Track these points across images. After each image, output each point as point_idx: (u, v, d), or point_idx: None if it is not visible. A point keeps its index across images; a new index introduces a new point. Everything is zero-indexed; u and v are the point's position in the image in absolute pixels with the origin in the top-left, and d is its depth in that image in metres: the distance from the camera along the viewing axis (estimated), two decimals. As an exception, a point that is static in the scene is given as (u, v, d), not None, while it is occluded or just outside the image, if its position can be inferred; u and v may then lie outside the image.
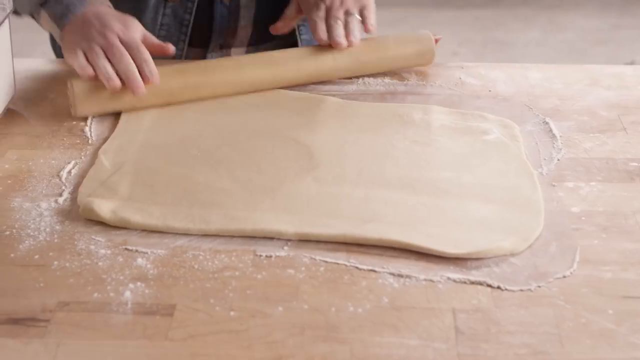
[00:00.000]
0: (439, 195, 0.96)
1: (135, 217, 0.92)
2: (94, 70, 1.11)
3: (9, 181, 1.00)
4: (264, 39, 1.38)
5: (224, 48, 1.38)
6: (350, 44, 1.22)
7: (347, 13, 1.24)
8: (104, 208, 0.93)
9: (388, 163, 1.02)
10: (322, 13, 1.24)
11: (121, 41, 1.12)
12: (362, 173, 1.00)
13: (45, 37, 1.43)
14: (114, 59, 1.11)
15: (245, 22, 1.36)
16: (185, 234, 0.91)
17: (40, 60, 1.31)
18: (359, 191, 0.97)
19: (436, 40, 1.27)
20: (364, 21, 1.25)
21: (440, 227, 0.91)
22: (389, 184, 0.98)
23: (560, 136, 1.09)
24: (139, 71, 1.11)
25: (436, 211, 0.94)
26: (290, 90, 1.19)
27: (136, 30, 1.15)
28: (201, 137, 1.08)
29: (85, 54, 1.13)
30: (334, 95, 1.19)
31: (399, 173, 1.00)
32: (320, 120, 1.11)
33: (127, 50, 1.12)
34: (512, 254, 0.88)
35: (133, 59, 1.11)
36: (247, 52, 1.39)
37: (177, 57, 1.33)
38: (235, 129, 1.10)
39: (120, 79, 1.11)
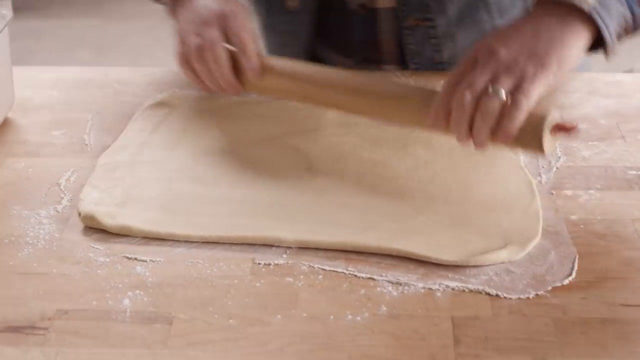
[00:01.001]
0: (438, 203, 0.96)
1: (136, 224, 0.92)
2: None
3: (8, 189, 1.01)
4: (411, 57, 1.24)
5: (373, 63, 1.27)
6: (464, 143, 0.89)
7: (493, 84, 0.87)
8: (105, 215, 0.93)
9: (387, 171, 1.02)
10: (457, 74, 0.91)
11: (227, 31, 1.04)
12: (360, 181, 1.00)
13: (45, 44, 1.43)
14: (208, 59, 1.04)
15: (388, 37, 1.25)
16: (185, 241, 0.91)
17: (39, 68, 1.31)
18: (357, 199, 0.97)
19: (564, 129, 0.89)
20: (503, 113, 0.87)
21: (438, 235, 0.91)
22: (387, 192, 0.98)
23: (559, 144, 1.09)
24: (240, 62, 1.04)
25: (434, 219, 0.94)
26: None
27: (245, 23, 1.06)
28: (202, 146, 1.08)
29: (188, 52, 1.06)
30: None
31: (398, 181, 1.00)
32: (321, 129, 1.11)
33: (230, 41, 1.04)
34: (510, 262, 0.88)
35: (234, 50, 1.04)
36: (412, 65, 1.25)
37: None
38: (235, 138, 1.10)
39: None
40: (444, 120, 0.91)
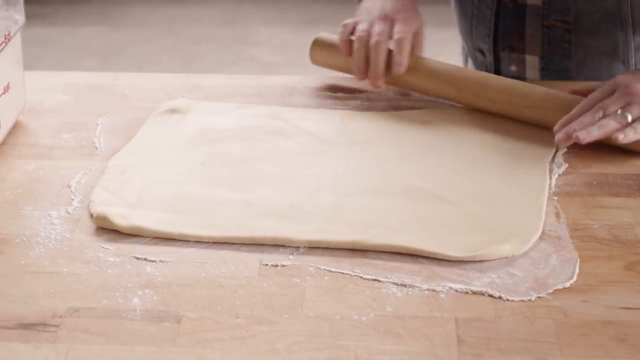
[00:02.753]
0: (444, 202, 0.98)
1: (148, 224, 0.94)
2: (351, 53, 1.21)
3: (19, 190, 1.02)
4: (544, 54, 1.31)
5: (516, 52, 1.33)
6: (577, 139, 1.05)
7: (624, 109, 1.06)
8: (117, 216, 0.94)
9: (394, 171, 1.04)
10: (594, 99, 1.09)
11: (392, 30, 1.20)
12: (366, 181, 1.02)
13: (51, 51, 1.45)
14: (370, 47, 1.19)
15: (533, 30, 1.30)
16: (193, 242, 0.93)
17: (50, 73, 1.33)
18: (364, 200, 0.99)
19: None
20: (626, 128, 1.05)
21: (443, 232, 0.93)
22: (394, 192, 1.00)
23: (562, 151, 1.10)
24: (391, 56, 1.19)
25: (440, 217, 0.96)
26: (302, 107, 1.21)
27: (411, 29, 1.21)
28: (212, 149, 1.09)
29: (353, 28, 1.22)
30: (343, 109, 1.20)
31: (406, 180, 1.02)
32: (332, 131, 1.13)
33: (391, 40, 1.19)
34: (513, 265, 0.89)
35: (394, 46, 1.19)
36: (541, 64, 1.32)
37: (487, 48, 1.36)
38: (244, 141, 1.11)
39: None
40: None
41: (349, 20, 1.23)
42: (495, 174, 1.04)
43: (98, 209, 0.96)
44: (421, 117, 1.17)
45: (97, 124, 1.17)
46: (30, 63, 1.31)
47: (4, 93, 1.11)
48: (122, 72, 1.37)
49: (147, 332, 0.81)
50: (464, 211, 0.97)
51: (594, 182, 1.04)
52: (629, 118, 1.05)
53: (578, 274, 0.88)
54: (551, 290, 0.86)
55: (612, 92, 1.09)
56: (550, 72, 1.31)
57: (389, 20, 1.21)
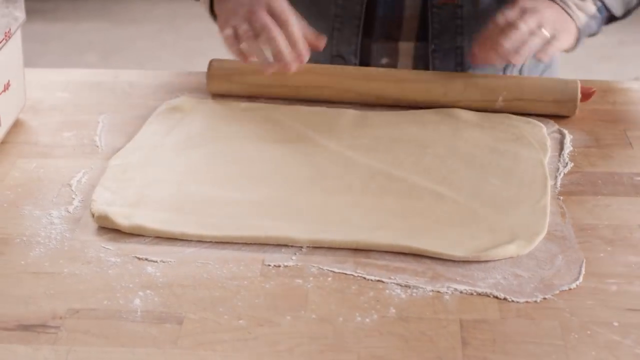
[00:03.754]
0: (447, 202, 0.98)
1: (150, 224, 0.93)
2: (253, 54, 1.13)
3: (20, 189, 1.01)
4: (434, 35, 1.28)
5: (391, 40, 1.31)
6: (514, 59, 1.13)
7: (538, 26, 1.13)
8: (119, 215, 0.94)
9: (398, 171, 1.03)
10: (507, 18, 1.14)
11: (271, 13, 1.11)
12: (372, 181, 1.01)
13: (52, 47, 1.44)
14: (264, 38, 1.11)
15: (411, 12, 1.28)
16: (195, 242, 0.92)
17: (50, 70, 1.32)
18: (368, 199, 0.98)
19: (588, 94, 1.19)
20: (545, 46, 1.14)
21: (447, 233, 0.93)
22: (397, 192, 0.99)
23: (567, 150, 1.10)
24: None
25: (444, 217, 0.95)
26: (307, 106, 1.20)
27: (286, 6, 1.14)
28: (214, 148, 1.09)
29: (236, 33, 1.13)
30: (346, 107, 1.19)
31: (408, 181, 1.01)
32: (335, 131, 1.12)
33: (278, 24, 1.11)
34: (518, 266, 0.89)
35: (285, 35, 1.11)
36: (416, 47, 1.30)
37: (351, 50, 1.31)
38: (247, 141, 1.10)
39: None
40: (491, 49, 1.14)
41: (227, 31, 1.14)
42: (496, 174, 1.03)
43: (99, 208, 0.95)
44: (423, 117, 1.16)
45: (98, 122, 1.16)
46: (31, 59, 1.31)
47: (4, 91, 1.10)
48: (123, 68, 1.36)
49: (148, 333, 0.81)
50: (467, 211, 0.96)
51: (600, 182, 1.03)
52: (547, 35, 1.13)
53: (584, 274, 0.88)
54: (557, 292, 0.85)
55: (520, 15, 1.14)
56: (442, 52, 1.29)
57: (260, 9, 1.12)
